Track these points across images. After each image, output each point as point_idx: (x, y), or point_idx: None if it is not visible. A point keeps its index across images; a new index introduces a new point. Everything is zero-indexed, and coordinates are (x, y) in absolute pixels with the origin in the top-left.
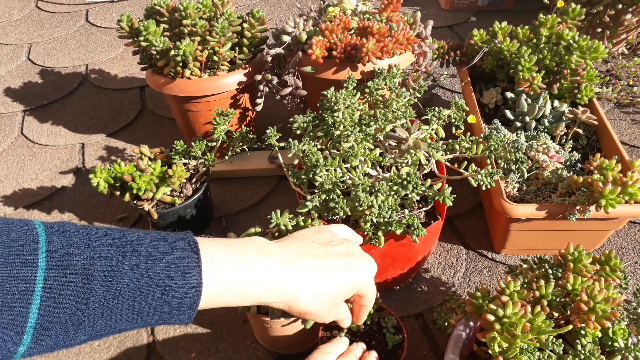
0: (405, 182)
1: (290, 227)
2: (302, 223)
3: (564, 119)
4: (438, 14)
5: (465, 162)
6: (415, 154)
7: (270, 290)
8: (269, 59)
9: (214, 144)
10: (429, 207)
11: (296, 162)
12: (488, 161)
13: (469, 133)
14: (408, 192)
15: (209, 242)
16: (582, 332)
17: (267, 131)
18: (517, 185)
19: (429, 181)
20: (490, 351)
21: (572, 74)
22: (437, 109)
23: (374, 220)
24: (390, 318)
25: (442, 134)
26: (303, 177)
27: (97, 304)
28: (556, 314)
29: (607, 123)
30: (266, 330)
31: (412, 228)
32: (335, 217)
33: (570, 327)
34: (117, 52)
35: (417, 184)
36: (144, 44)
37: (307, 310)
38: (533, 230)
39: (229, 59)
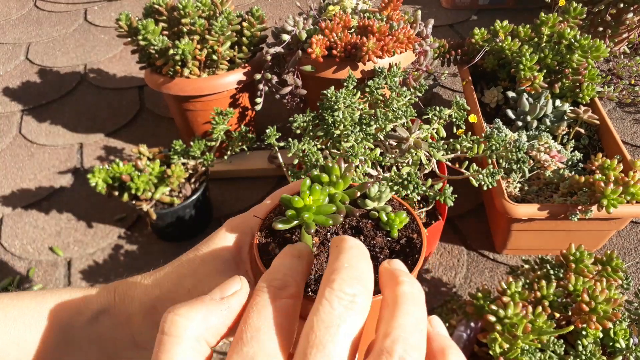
0: (405, 182)
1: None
2: None
3: (566, 118)
4: (439, 13)
5: (467, 162)
6: (416, 154)
7: None
8: (269, 58)
9: (213, 143)
10: (430, 207)
11: (296, 161)
12: (489, 161)
13: (470, 132)
14: (409, 192)
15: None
16: (584, 332)
17: (267, 131)
18: (519, 185)
19: (429, 181)
20: (491, 352)
21: (573, 73)
22: (438, 108)
23: None
24: (375, 186)
25: (443, 133)
26: (303, 177)
27: None
28: (557, 315)
29: (609, 122)
30: None
31: None
32: None
33: (572, 327)
34: (116, 52)
35: (418, 184)
36: (142, 43)
37: None
38: (534, 231)
39: (228, 58)
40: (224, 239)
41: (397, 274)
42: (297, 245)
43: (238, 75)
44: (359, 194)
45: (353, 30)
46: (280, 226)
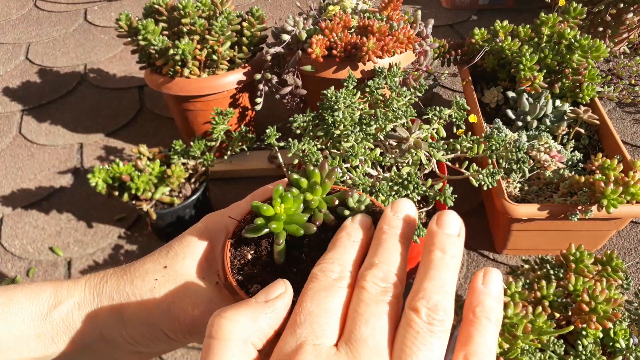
0: (405, 182)
1: None
2: None
3: (566, 118)
4: (439, 13)
5: (467, 162)
6: (416, 154)
7: None
8: (269, 58)
9: (213, 143)
10: (430, 207)
11: (296, 161)
12: (489, 161)
13: (470, 132)
14: (409, 192)
15: None
16: (584, 332)
17: (267, 131)
18: (519, 185)
19: (429, 181)
20: None
21: (573, 73)
22: (438, 108)
23: None
24: (355, 196)
25: (443, 133)
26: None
27: None
28: (557, 315)
29: (609, 122)
30: None
31: None
32: None
33: (572, 327)
34: (116, 52)
35: (418, 184)
36: (142, 43)
37: None
38: (534, 231)
39: (228, 58)
40: (197, 237)
41: (433, 238)
42: (354, 226)
43: (238, 75)
44: (337, 202)
45: (353, 30)
46: (249, 235)
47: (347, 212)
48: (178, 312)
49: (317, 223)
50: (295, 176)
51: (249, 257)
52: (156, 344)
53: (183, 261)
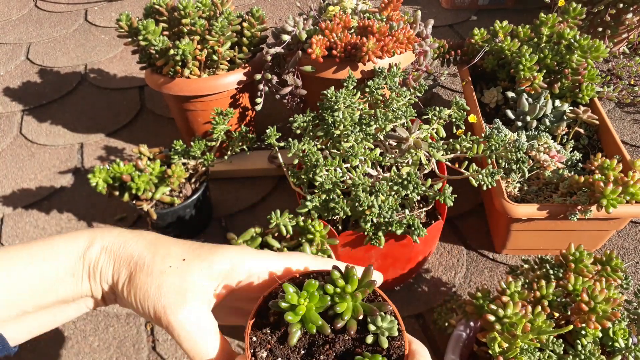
0: (405, 182)
1: (290, 228)
2: (302, 223)
3: (565, 118)
4: (439, 13)
5: (466, 162)
6: (415, 154)
7: None
8: (269, 58)
9: (213, 143)
10: (430, 207)
11: (296, 162)
12: (489, 161)
13: (469, 133)
14: (408, 192)
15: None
16: (583, 332)
17: (267, 131)
18: (518, 185)
19: (429, 181)
20: (490, 351)
21: (573, 73)
22: (437, 108)
23: (374, 220)
24: (387, 319)
25: (443, 133)
26: (303, 177)
27: None
28: (557, 314)
29: (609, 122)
30: None
31: (413, 228)
32: (335, 217)
33: (571, 327)
34: (116, 52)
35: (418, 184)
36: (143, 43)
37: None
38: (534, 231)
39: (229, 58)
40: (224, 257)
41: None
42: None
43: (238, 75)
44: (361, 316)
45: (353, 30)
46: (273, 308)
47: (372, 328)
48: (166, 304)
49: (338, 326)
50: (337, 273)
51: (272, 320)
52: (146, 315)
53: (200, 265)
